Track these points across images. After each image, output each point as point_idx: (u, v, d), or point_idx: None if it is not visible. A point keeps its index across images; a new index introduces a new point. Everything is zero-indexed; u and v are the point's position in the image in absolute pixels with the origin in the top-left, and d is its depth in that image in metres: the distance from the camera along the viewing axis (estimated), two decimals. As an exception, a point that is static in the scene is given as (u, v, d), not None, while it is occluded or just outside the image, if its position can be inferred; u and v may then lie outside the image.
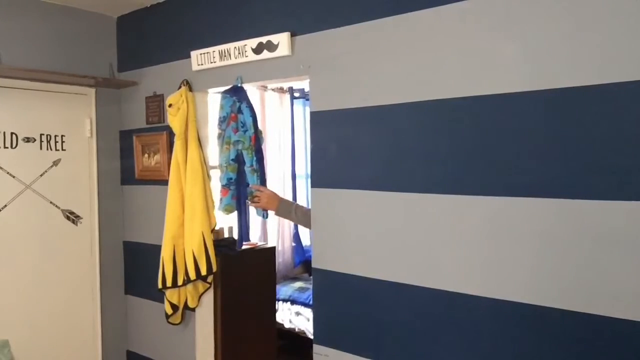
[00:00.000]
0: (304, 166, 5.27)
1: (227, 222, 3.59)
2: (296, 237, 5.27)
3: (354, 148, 2.65)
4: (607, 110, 1.92)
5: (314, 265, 2.83)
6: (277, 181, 5.04)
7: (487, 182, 2.20)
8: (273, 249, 3.89)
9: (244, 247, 3.41)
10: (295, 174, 5.21)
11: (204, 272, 3.23)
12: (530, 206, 2.09)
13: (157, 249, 3.48)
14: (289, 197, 5.04)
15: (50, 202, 3.64)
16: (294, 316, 4.70)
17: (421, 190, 2.41)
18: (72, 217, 3.76)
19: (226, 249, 3.41)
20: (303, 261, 5.31)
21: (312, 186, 2.85)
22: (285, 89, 5.15)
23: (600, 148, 1.93)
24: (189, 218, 3.28)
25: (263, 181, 3.19)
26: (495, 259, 2.19)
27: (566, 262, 2.01)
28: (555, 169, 2.03)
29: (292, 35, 2.85)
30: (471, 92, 2.24)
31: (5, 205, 3.42)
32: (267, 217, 3.35)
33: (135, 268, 4.02)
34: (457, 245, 2.30)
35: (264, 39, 2.94)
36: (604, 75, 1.91)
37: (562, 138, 2.01)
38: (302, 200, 5.27)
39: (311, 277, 2.94)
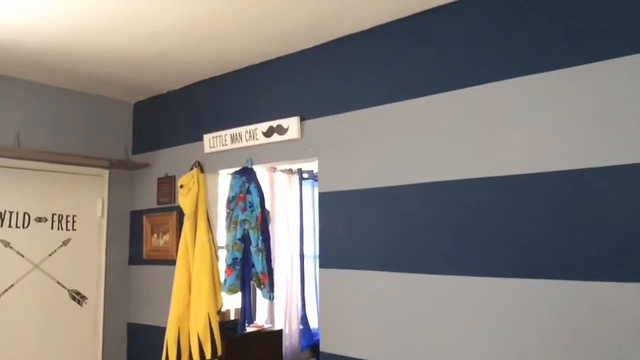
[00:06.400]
0: (312, 247, 5.25)
1: (234, 304, 3.53)
2: (304, 319, 5.14)
3: (361, 228, 2.66)
4: (616, 192, 1.94)
5: (322, 349, 2.75)
6: (285, 262, 5.00)
7: (496, 263, 2.19)
8: (280, 332, 3.80)
9: (250, 329, 3.34)
10: (303, 255, 5.17)
11: (208, 355, 3.14)
12: (541, 288, 2.05)
13: (161, 331, 3.41)
14: (297, 278, 4.98)
15: (57, 282, 3.62)
16: (301, 405, 4.49)
17: (430, 271, 2.39)
18: (78, 297, 3.72)
19: (231, 332, 3.34)
20: (311, 345, 5.13)
21: (320, 266, 2.83)
22: (294, 170, 5.24)
23: (613, 229, 1.93)
24: (196, 299, 3.24)
25: (269, 261, 3.17)
26: (506, 342, 2.12)
27: (581, 346, 1.94)
28: (566, 250, 2.01)
29: (302, 119, 2.96)
30: (477, 173, 2.28)
31: (12, 285, 3.40)
32: (273, 299, 3.30)
33: (138, 351, 3.90)
34: (467, 329, 2.24)
35: (274, 123, 3.05)
36: (611, 158, 1.95)
37: (571, 219, 2.02)
38: (310, 281, 5.19)
39: (319, 362, 2.85)
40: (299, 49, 3.04)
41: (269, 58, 3.19)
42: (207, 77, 3.57)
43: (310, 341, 5.13)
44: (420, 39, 2.55)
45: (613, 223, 1.92)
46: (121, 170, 4.02)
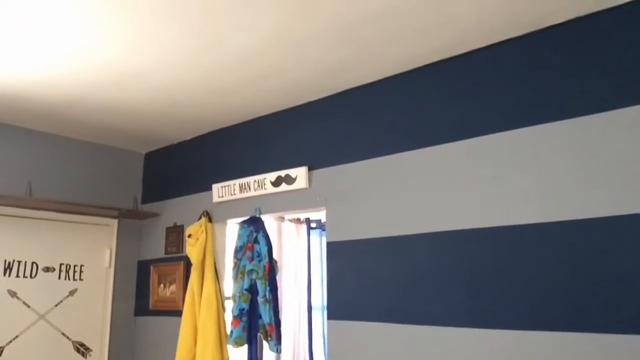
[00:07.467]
0: (320, 298, 5.17)
1: (240, 356, 3.45)
2: (311, 373, 5.00)
3: (370, 278, 2.63)
4: (624, 241, 1.91)
5: (330, 405, 2.67)
6: (293, 313, 4.92)
7: (506, 315, 2.14)
8: (287, 386, 3.69)
9: (256, 384, 3.25)
10: (311, 306, 5.09)
11: (213, 411, 3.05)
12: (552, 340, 2.00)
13: (166, 385, 3.33)
14: (305, 330, 4.88)
15: (62, 334, 3.57)
16: None
17: (440, 323, 2.34)
18: (82, 349, 3.66)
19: (238, 386, 3.25)
20: (319, 401, 4.97)
21: (328, 318, 2.78)
22: (302, 219, 5.24)
23: (621, 279, 1.89)
24: (201, 351, 3.17)
25: (276, 312, 3.12)
26: (523, 400, 2.05)
27: (600, 404, 1.87)
28: (577, 301, 1.97)
29: (310, 169, 2.98)
30: (485, 223, 2.27)
31: (17, 336, 3.36)
32: (280, 352, 3.23)
33: (141, 406, 3.80)
34: (481, 384, 2.17)
35: (282, 173, 3.07)
36: (616, 208, 1.94)
37: (582, 269, 1.99)
38: (317, 334, 5.08)
39: (327, 418, 2.76)
40: (306, 101, 3.10)
41: (277, 110, 3.26)
42: (216, 128, 3.64)
43: (318, 397, 4.96)
44: (426, 90, 2.60)
45: (620, 273, 1.89)
46: (130, 219, 4.04)
